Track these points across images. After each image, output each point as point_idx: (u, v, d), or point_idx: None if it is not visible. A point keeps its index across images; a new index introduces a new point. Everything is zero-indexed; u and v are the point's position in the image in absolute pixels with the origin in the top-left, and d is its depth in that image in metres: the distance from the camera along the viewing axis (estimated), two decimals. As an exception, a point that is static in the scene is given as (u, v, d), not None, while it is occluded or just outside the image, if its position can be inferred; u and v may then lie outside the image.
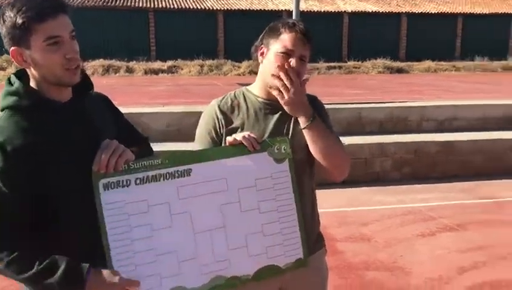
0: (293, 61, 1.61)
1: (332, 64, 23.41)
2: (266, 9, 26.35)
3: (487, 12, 29.56)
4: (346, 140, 6.71)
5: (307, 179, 1.77)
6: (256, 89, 1.75)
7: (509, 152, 7.05)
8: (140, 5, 25.24)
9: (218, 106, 1.72)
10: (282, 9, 25.38)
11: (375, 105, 8.11)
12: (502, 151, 7.01)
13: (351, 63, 23.59)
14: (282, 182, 1.61)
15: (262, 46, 1.70)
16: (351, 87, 14.03)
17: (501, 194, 5.91)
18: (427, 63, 23.96)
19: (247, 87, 1.79)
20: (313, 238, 1.78)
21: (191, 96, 10.54)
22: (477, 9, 29.93)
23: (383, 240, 4.46)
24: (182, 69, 21.26)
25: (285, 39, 1.62)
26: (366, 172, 6.61)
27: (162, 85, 15.22)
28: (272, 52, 1.65)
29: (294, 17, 7.29)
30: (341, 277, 3.71)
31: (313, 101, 1.79)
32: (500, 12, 29.64)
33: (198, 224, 1.50)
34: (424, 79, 18.22)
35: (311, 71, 22.28)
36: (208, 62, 21.67)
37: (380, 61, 23.31)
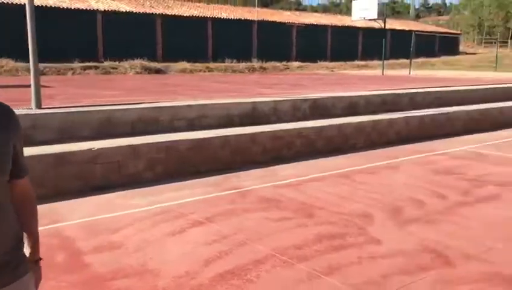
0: None
1: (88, 64, 22.45)
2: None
3: (233, 18, 32.45)
4: (97, 144, 6.42)
5: (3, 198, 1.54)
6: None
7: (252, 144, 7.81)
8: None
9: None
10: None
11: (126, 106, 7.97)
12: (244, 144, 7.72)
13: (107, 64, 22.99)
14: None
15: None
16: (108, 88, 13.59)
17: (244, 184, 6.47)
18: (183, 64, 25.04)
19: None
20: (14, 264, 1.56)
21: None
22: (224, 15, 32.59)
23: (133, 244, 4.36)
24: None
25: None
26: (120, 175, 6.44)
27: None
28: None
29: (28, 13, 6.55)
30: (86, 293, 3.47)
31: (9, 114, 1.57)
32: (243, 18, 32.90)
33: None
34: (180, 79, 18.93)
35: (65, 71, 20.90)
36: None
37: (138, 62, 23.34)
